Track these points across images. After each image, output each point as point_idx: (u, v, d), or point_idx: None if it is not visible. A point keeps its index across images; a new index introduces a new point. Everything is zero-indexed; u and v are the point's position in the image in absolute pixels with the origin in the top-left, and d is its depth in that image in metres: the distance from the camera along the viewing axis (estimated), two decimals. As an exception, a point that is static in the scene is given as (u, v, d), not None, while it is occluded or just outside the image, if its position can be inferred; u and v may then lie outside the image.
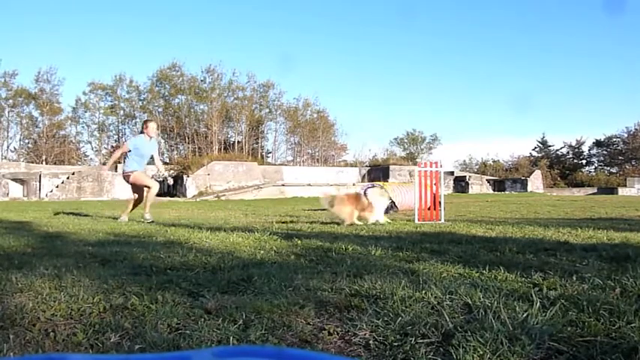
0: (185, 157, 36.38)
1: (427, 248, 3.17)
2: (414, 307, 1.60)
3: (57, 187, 25.80)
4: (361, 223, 5.52)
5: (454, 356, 1.20)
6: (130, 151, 7.09)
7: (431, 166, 7.09)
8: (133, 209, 7.25)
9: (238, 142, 41.74)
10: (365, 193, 5.90)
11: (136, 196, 7.16)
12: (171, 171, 32.31)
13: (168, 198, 24.90)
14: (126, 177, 7.16)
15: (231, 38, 59.42)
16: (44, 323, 1.53)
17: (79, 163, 39.77)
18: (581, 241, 3.48)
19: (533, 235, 4.08)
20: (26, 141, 40.83)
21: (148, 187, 7.05)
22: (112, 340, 1.36)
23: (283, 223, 6.05)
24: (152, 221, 6.39)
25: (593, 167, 51.36)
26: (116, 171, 30.96)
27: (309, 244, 3.49)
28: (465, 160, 52.05)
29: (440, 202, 6.66)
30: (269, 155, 44.38)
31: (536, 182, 35.31)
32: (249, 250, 3.20)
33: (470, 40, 63.11)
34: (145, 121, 7.61)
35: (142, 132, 7.41)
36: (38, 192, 25.46)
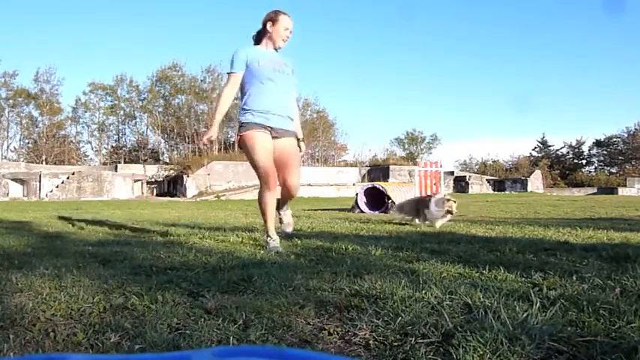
0: (185, 157, 36.38)
1: (427, 248, 3.17)
2: (414, 307, 1.60)
3: (57, 187, 25.80)
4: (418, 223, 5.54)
5: (454, 356, 1.20)
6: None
7: (431, 166, 7.09)
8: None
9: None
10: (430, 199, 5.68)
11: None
12: (171, 171, 32.33)
13: (168, 198, 24.91)
14: (239, 140, 3.33)
15: (232, 38, 59.42)
16: (44, 323, 1.53)
17: (79, 163, 39.78)
18: (581, 241, 3.48)
19: (533, 235, 4.08)
20: (26, 141, 40.86)
21: (287, 176, 3.43)
22: (112, 340, 1.36)
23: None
24: (292, 235, 3.72)
25: (593, 167, 51.38)
26: (116, 170, 30.97)
27: (309, 244, 3.49)
28: (465, 160, 52.08)
29: (440, 202, 6.64)
30: (269, 155, 44.31)
31: (536, 182, 35.31)
32: (249, 250, 3.20)
33: (470, 40, 63.15)
34: (276, 13, 3.34)
35: (261, 34, 3.41)
36: (38, 192, 25.45)
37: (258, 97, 3.28)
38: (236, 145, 3.39)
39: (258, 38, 3.47)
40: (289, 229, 3.79)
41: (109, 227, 5.38)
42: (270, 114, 3.29)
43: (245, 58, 3.33)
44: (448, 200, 5.19)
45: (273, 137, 3.32)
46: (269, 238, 3.36)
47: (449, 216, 5.24)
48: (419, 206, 5.52)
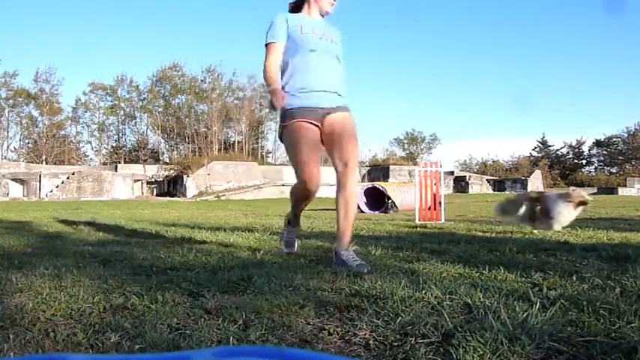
0: (185, 157, 36.40)
1: (427, 248, 3.17)
2: (414, 307, 1.60)
3: (57, 187, 25.81)
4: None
5: (454, 356, 1.20)
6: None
7: (431, 166, 7.10)
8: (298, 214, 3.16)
9: (238, 142, 41.73)
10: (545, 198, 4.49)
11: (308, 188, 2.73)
12: (171, 171, 32.34)
13: (168, 198, 24.91)
14: (282, 131, 2.79)
15: (232, 38, 59.45)
16: (44, 323, 1.53)
17: (79, 163, 39.79)
18: (581, 241, 3.48)
19: (533, 235, 4.08)
20: (26, 141, 40.88)
21: (346, 155, 2.71)
22: (112, 340, 1.36)
23: (283, 223, 6.04)
24: (365, 268, 2.38)
25: (593, 167, 51.41)
26: (116, 171, 30.97)
27: (309, 244, 3.49)
28: (465, 160, 52.11)
29: (440, 202, 6.66)
30: (269, 155, 44.41)
31: (536, 182, 35.32)
32: (249, 250, 3.20)
33: (470, 40, 63.16)
34: None
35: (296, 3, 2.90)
36: (38, 192, 25.46)
37: (302, 72, 2.69)
38: (276, 136, 2.87)
39: (296, 4, 2.88)
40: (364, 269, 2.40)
41: (109, 227, 5.38)
42: (318, 92, 2.69)
43: (286, 25, 2.74)
44: (568, 194, 4.25)
45: (325, 115, 2.69)
46: (290, 227, 3.08)
47: (580, 209, 4.25)
48: (532, 207, 4.29)
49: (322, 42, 2.74)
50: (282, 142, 2.84)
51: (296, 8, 2.88)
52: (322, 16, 2.86)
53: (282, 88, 2.66)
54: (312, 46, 2.71)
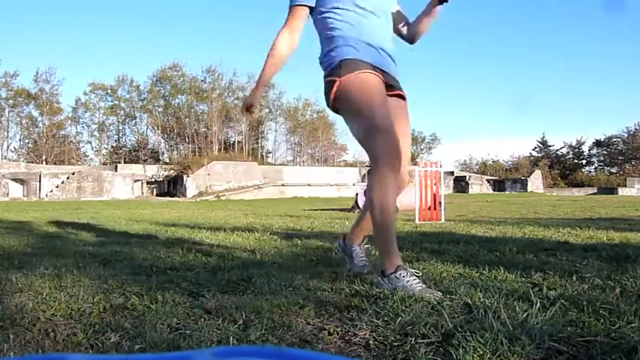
0: (185, 157, 36.41)
1: (427, 248, 3.16)
2: (414, 307, 1.60)
3: (57, 187, 25.82)
4: None
5: (454, 356, 1.20)
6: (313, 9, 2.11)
7: (431, 166, 7.10)
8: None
9: (238, 142, 41.73)
10: None
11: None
12: (171, 171, 32.34)
13: (168, 198, 24.92)
14: (338, 88, 1.99)
15: (232, 38, 59.45)
16: (44, 323, 1.53)
17: (79, 163, 39.80)
18: (581, 241, 3.48)
19: (533, 235, 4.08)
20: (26, 141, 40.88)
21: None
22: (112, 340, 1.36)
23: (283, 222, 6.05)
24: (367, 269, 2.32)
25: (593, 167, 51.40)
26: (116, 171, 30.96)
27: (309, 244, 3.49)
28: (465, 160, 52.11)
29: (440, 202, 6.66)
30: (269, 155, 44.41)
31: (536, 182, 35.33)
32: (249, 250, 3.20)
33: (470, 40, 63.17)
34: None
35: None
36: (38, 192, 25.46)
37: (358, 28, 2.03)
38: (330, 99, 2.04)
39: None
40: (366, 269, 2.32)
41: (109, 227, 5.38)
42: (381, 50, 2.07)
43: None
44: None
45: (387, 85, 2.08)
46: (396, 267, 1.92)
47: None
48: None
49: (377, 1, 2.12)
50: (336, 109, 2.09)
51: None
52: None
53: (336, 44, 2.04)
54: (365, 5, 2.06)
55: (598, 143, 50.57)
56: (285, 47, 2.12)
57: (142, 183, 30.80)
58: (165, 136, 42.42)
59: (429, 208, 6.70)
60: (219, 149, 38.26)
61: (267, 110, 42.18)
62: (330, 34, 2.06)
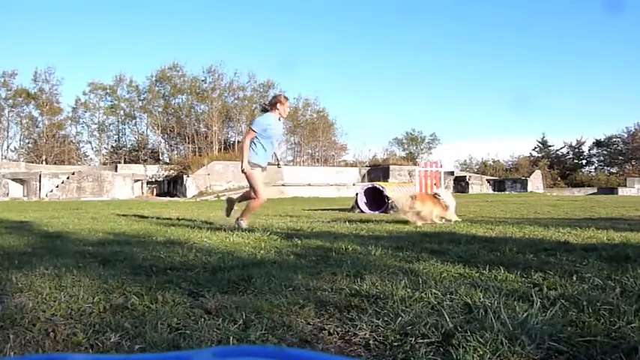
0: (185, 157, 36.37)
1: (427, 248, 3.16)
2: (414, 307, 1.60)
3: (57, 187, 25.81)
4: (440, 223, 5.67)
5: (454, 356, 1.20)
6: (256, 135, 5.37)
7: (431, 166, 7.10)
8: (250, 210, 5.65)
9: (238, 142, 41.69)
10: (437, 195, 5.96)
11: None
12: (171, 171, 32.34)
13: (168, 198, 24.94)
14: (247, 170, 5.42)
15: (232, 38, 59.49)
16: (44, 323, 1.53)
17: (79, 163, 39.78)
18: (581, 241, 3.48)
19: (533, 235, 4.08)
20: (26, 141, 40.84)
21: (254, 197, 5.51)
22: (112, 340, 1.36)
23: (283, 222, 6.05)
24: (245, 229, 4.91)
25: (593, 167, 51.37)
26: (116, 170, 30.96)
27: (309, 244, 3.49)
28: (465, 160, 52.06)
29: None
30: (269, 155, 44.24)
31: (536, 182, 35.33)
32: (249, 250, 3.20)
33: (470, 40, 63.18)
34: (278, 97, 5.56)
35: (269, 110, 5.47)
36: (38, 192, 25.46)
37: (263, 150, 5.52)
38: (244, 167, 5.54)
39: (264, 109, 5.60)
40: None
41: (109, 227, 5.38)
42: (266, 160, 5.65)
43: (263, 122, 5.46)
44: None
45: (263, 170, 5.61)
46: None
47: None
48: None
49: (277, 134, 5.69)
50: (244, 174, 5.57)
51: (272, 109, 5.50)
52: (280, 118, 5.55)
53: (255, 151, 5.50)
54: (271, 134, 5.49)
55: (598, 143, 50.55)
56: (248, 145, 5.43)
57: (142, 183, 30.80)
58: (166, 136, 42.41)
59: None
60: (220, 149, 38.24)
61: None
62: (253, 146, 5.48)
